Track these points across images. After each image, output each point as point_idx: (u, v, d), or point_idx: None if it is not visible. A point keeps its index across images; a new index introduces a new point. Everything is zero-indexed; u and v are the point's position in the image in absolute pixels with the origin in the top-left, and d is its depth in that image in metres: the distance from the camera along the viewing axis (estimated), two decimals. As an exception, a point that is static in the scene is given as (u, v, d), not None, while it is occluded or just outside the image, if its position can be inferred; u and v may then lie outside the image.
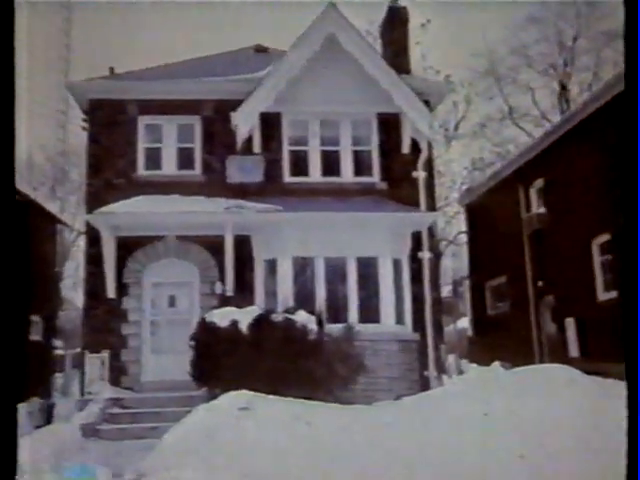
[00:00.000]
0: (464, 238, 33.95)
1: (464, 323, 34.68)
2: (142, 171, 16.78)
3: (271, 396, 9.62)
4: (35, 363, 19.71)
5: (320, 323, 13.26)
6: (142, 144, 16.94)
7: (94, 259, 15.82)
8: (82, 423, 12.45)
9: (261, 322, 12.94)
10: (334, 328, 13.49)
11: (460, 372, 20.12)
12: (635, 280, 4.21)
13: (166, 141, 17.10)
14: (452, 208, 35.78)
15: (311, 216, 15.47)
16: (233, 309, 13.58)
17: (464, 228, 32.96)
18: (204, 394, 12.43)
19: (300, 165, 17.10)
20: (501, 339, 23.82)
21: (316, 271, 15.56)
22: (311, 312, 13.54)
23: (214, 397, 10.10)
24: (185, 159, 17.01)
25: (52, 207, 25.57)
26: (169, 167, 16.97)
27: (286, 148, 17.10)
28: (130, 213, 15.55)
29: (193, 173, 16.86)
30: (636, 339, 4.16)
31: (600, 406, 8.60)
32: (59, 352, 26.33)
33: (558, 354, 19.38)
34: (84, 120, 17.79)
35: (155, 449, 8.53)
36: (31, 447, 8.68)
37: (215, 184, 16.52)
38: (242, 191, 16.32)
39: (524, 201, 23.01)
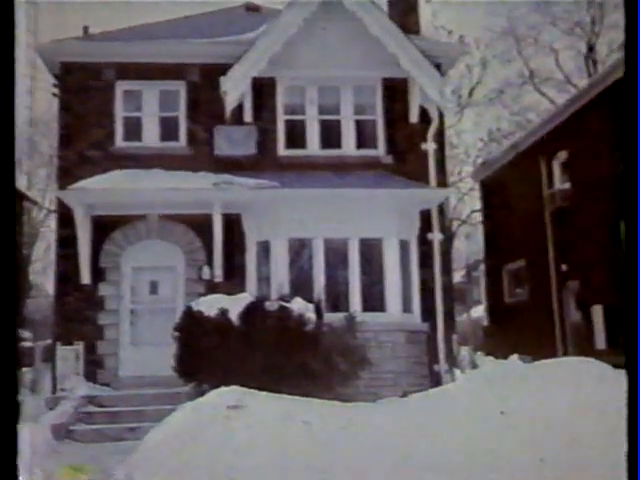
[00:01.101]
0: (479, 217, 33.99)
1: (479, 312, 34.81)
2: (120, 142, 16.72)
3: (264, 393, 9.64)
4: None
5: (319, 312, 13.29)
6: (120, 112, 16.88)
7: (66, 241, 15.79)
8: (53, 423, 12.39)
9: (253, 311, 12.97)
10: (334, 317, 13.54)
11: (474, 366, 20.20)
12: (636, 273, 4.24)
13: (147, 109, 17.05)
14: (465, 184, 35.87)
15: (309, 193, 15.46)
16: (222, 296, 13.61)
17: (479, 206, 32.99)
18: (190, 391, 12.49)
19: (296, 136, 17.06)
20: (520, 329, 23.90)
21: (314, 254, 15.56)
22: (309, 300, 13.55)
23: (201, 394, 10.15)
24: (168, 129, 16.95)
25: (18, 183, 25.52)
26: (150, 138, 16.92)
27: (281, 117, 17.04)
28: (107, 189, 15.53)
29: (177, 145, 16.82)
30: (636, 333, 4.19)
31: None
32: (27, 344, 26.33)
33: (583, 346, 19.46)
34: (55, 85, 17.73)
35: (135, 452, 8.55)
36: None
37: (202, 157, 16.49)
38: (232, 165, 16.27)
39: (546, 176, 23.00)
